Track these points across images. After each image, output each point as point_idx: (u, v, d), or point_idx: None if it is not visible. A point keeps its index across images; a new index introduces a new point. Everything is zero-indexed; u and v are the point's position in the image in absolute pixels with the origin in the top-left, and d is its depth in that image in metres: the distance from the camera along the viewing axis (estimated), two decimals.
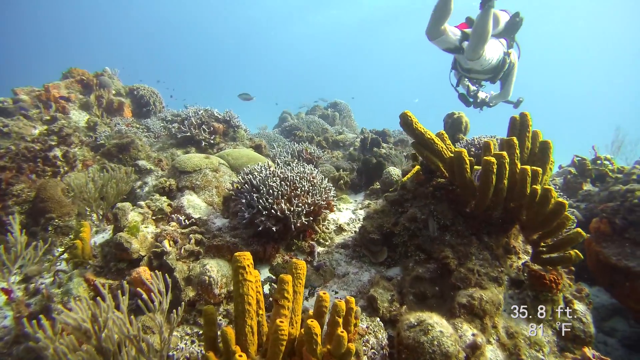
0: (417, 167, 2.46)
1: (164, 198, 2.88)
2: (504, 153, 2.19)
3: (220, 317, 2.40)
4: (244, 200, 2.60)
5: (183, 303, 1.69)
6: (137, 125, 5.93)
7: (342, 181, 3.85)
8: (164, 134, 5.72)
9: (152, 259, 2.39)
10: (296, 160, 4.70)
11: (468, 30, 3.80)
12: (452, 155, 2.31)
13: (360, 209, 3.55)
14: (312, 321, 1.50)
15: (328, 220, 3.17)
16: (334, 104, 9.55)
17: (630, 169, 3.80)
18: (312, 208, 2.64)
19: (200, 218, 2.78)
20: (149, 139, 5.46)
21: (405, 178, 2.41)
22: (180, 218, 2.71)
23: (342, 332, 1.56)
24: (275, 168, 2.84)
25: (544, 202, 2.18)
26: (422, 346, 1.78)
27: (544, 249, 2.39)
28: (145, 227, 2.63)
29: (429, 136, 2.41)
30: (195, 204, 2.88)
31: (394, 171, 3.65)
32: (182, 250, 2.40)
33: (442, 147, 2.43)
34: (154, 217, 2.73)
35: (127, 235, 2.38)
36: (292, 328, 1.74)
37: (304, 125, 6.93)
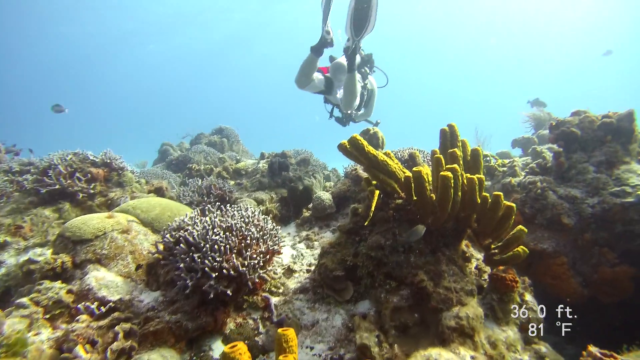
0: (377, 192, 2.33)
1: (59, 283, 2.08)
2: (456, 166, 2.23)
3: None
4: (181, 265, 2.06)
5: None
6: None
7: (270, 215, 3.50)
8: (12, 189, 4.38)
9: None
10: (205, 198, 4.14)
11: (329, 76, 4.40)
12: (410, 175, 2.26)
13: (299, 242, 3.27)
14: None
15: (273, 263, 2.80)
16: (219, 129, 8.93)
17: (509, 162, 4.45)
18: (267, 257, 2.27)
19: (121, 299, 2.09)
20: None
21: (373, 207, 2.26)
22: (91, 306, 1.99)
23: None
24: (211, 216, 2.36)
25: (495, 208, 2.30)
26: None
27: (496, 250, 2.54)
28: (36, 334, 1.85)
29: (382, 158, 2.32)
30: (107, 281, 2.16)
31: (325, 195, 3.49)
32: (109, 352, 1.75)
33: (395, 168, 2.37)
34: (47, 316, 1.94)
35: None
36: None
37: (199, 156, 6.24)
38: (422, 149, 3.92)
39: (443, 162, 2.34)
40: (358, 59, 4.56)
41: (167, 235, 2.22)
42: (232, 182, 5.49)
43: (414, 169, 2.20)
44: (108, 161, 4.21)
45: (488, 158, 4.51)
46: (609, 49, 15.75)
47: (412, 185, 2.28)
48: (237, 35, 38.43)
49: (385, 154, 2.46)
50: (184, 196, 4.14)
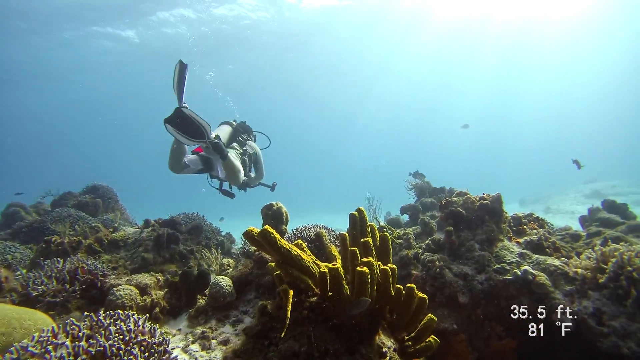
0: (290, 291, 2.08)
1: None
2: (372, 259, 2.16)
3: None
4: None
5: None
6: None
7: (157, 309, 2.90)
8: None
9: None
10: (68, 286, 3.31)
11: (204, 154, 4.40)
12: (325, 270, 2.08)
13: (192, 342, 2.74)
14: None
15: None
16: (92, 188, 7.65)
17: (403, 233, 4.69)
18: None
19: None
20: None
21: (289, 312, 1.97)
22: None
23: None
24: (73, 332, 1.78)
25: (409, 301, 2.26)
26: None
27: (409, 342, 2.47)
28: None
29: (295, 252, 2.11)
30: None
31: (224, 282, 3.08)
32: None
33: (309, 262, 2.17)
34: None
35: None
36: None
37: (62, 225, 5.10)
38: (327, 226, 3.87)
39: (359, 255, 2.25)
40: (227, 132, 4.74)
41: None
42: (106, 257, 4.59)
43: (330, 265, 2.05)
44: None
45: (385, 229, 4.69)
46: (466, 123, 19.16)
47: (328, 281, 2.11)
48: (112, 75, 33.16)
49: (297, 245, 2.28)
50: (34, 285, 3.23)
